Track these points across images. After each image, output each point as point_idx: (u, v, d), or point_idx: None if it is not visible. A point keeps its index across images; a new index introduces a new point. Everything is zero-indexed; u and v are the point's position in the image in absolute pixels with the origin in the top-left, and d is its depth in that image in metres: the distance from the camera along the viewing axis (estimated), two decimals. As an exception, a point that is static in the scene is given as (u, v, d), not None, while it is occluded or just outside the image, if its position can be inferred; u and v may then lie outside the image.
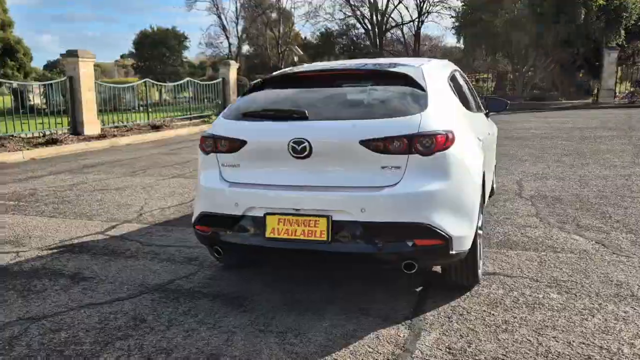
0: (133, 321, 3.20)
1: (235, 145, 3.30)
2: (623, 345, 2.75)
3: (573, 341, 2.80)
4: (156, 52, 39.17)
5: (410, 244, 3.00)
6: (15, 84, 19.11)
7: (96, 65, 18.81)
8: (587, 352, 2.69)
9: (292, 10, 46.47)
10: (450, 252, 3.06)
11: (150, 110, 18.50)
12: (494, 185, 6.18)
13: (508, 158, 9.07)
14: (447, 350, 2.75)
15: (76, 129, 14.62)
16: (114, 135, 14.49)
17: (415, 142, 2.99)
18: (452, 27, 30.67)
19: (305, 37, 48.76)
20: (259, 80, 3.80)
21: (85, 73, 14.77)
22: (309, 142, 3.08)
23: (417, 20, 38.95)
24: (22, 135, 12.94)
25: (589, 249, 4.26)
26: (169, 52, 39.59)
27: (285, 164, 3.17)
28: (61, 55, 15.10)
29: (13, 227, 5.50)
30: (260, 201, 3.19)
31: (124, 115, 16.60)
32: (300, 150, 3.08)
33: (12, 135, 12.69)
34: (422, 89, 3.30)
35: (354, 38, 39.53)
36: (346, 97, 3.42)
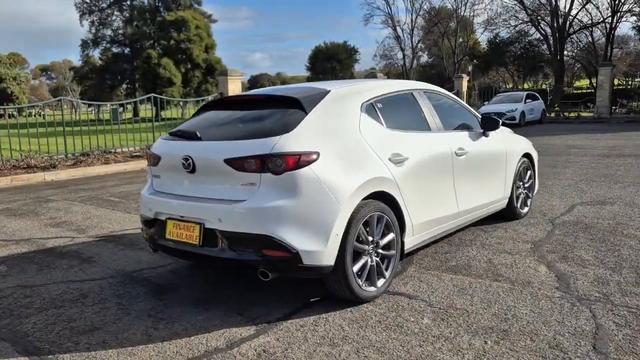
0: (80, 296, 4.06)
1: (156, 160, 3.97)
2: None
3: (376, 362, 2.85)
4: (328, 65, 41.78)
5: (260, 253, 3.33)
6: (186, 101, 22.40)
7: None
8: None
9: (471, 18, 45.17)
10: (300, 265, 3.30)
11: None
12: (519, 206, 5.81)
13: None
14: (260, 352, 3.03)
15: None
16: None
17: (268, 162, 3.31)
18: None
19: (484, 47, 47.18)
20: (202, 105, 4.42)
21: (233, 89, 16.84)
22: (192, 159, 3.61)
23: (609, 20, 34.93)
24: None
25: (535, 282, 3.94)
26: (339, 65, 41.89)
27: (181, 177, 3.74)
28: (217, 75, 17.42)
29: (95, 217, 6.92)
30: (163, 207, 3.81)
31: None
32: (187, 165, 3.63)
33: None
34: (305, 112, 3.58)
35: (527, 45, 36.87)
36: (238, 119, 3.84)
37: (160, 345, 3.16)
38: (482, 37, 47.63)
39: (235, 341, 3.18)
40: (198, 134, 3.74)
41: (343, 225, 3.44)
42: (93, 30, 45.94)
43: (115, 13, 45.99)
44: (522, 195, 5.92)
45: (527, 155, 6.01)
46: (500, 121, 5.28)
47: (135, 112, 35.85)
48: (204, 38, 42.51)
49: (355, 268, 3.56)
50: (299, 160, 3.32)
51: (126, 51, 45.02)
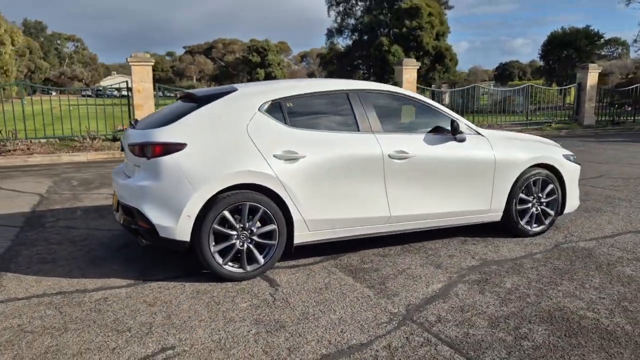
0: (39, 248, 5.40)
1: (122, 146, 4.98)
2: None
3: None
4: (564, 54, 37.35)
5: (135, 223, 4.09)
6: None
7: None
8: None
9: None
10: (159, 236, 3.96)
11: (477, 114, 19.27)
12: (523, 222, 5.20)
13: None
14: (129, 294, 3.83)
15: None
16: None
17: (144, 148, 4.03)
18: None
19: None
20: (178, 97, 5.25)
21: (408, 79, 17.09)
22: (122, 144, 4.53)
23: None
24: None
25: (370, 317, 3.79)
26: (576, 53, 37.05)
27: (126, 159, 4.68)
28: (393, 65, 17.86)
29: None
30: (116, 189, 4.79)
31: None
32: (123, 149, 4.56)
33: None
34: (197, 108, 4.17)
35: None
36: (167, 112, 4.50)
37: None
38: None
39: (112, 287, 4.02)
40: (135, 123, 4.63)
41: (197, 208, 3.94)
42: (338, 20, 50.13)
43: (359, 3, 49.24)
44: (532, 211, 5.25)
45: (548, 167, 5.27)
46: (463, 125, 4.83)
47: None
48: (435, 25, 42.49)
49: (217, 248, 4.03)
50: (164, 149, 3.95)
51: (364, 39, 47.92)
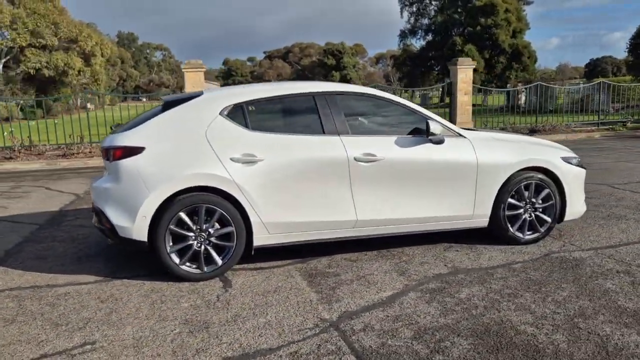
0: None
1: None
2: None
3: None
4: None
5: (102, 223, 4.30)
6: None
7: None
8: None
9: None
10: (119, 236, 4.14)
11: (552, 114, 18.26)
12: (514, 229, 4.89)
13: None
14: (89, 290, 4.06)
15: (451, 129, 16.74)
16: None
17: (108, 152, 4.23)
18: None
19: None
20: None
21: (463, 79, 16.51)
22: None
23: None
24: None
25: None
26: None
27: None
28: (447, 62, 17.35)
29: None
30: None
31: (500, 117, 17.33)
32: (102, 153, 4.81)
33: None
34: (162, 113, 4.32)
35: None
36: (144, 117, 4.66)
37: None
38: None
39: (80, 283, 4.27)
40: (113, 128, 4.86)
41: (152, 209, 4.07)
42: (412, 21, 49.33)
43: (433, 3, 48.18)
44: (525, 217, 4.91)
45: (543, 170, 4.92)
46: (438, 126, 4.58)
47: (442, 98, 37.48)
48: (512, 22, 40.59)
49: (174, 248, 4.14)
50: (123, 152, 4.12)
51: (437, 39, 46.80)
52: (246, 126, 4.35)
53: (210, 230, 4.21)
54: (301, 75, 78.26)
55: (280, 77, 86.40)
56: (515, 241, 4.91)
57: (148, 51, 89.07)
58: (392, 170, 4.53)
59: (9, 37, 36.21)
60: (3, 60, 38.24)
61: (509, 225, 4.88)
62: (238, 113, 4.39)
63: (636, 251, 4.66)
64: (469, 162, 4.71)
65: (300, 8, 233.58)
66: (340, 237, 4.56)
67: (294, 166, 4.32)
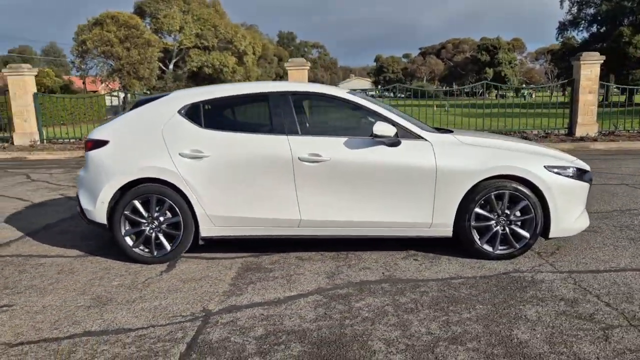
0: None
1: None
2: None
3: None
4: None
5: (81, 207, 4.92)
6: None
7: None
8: None
9: None
10: (87, 218, 4.72)
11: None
12: (482, 243, 4.49)
13: None
14: (52, 263, 4.75)
15: (571, 130, 15.17)
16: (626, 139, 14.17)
17: (86, 144, 4.83)
18: None
19: None
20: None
21: (588, 75, 14.80)
22: None
23: None
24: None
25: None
26: None
27: None
28: (571, 59, 15.64)
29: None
30: None
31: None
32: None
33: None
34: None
35: None
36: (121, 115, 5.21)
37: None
38: None
39: (62, 256, 4.96)
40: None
41: (108, 196, 4.55)
42: (573, 11, 44.77)
43: (602, -10, 43.24)
44: (497, 230, 4.46)
45: (521, 180, 4.41)
46: (384, 126, 4.32)
47: (606, 97, 33.71)
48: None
49: (129, 232, 4.59)
50: (93, 144, 4.68)
51: (602, 30, 41.92)
52: (200, 124, 4.63)
53: (161, 218, 4.58)
54: (453, 72, 75.86)
55: (432, 74, 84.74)
56: (485, 255, 4.50)
57: (305, 49, 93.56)
58: (338, 172, 4.45)
59: (179, 40, 41.29)
60: (174, 61, 43.50)
61: (476, 238, 4.48)
62: (194, 112, 4.68)
63: (617, 279, 3.98)
64: (426, 166, 4.42)
65: (460, 4, 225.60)
66: (285, 235, 4.61)
67: (239, 163, 4.49)
